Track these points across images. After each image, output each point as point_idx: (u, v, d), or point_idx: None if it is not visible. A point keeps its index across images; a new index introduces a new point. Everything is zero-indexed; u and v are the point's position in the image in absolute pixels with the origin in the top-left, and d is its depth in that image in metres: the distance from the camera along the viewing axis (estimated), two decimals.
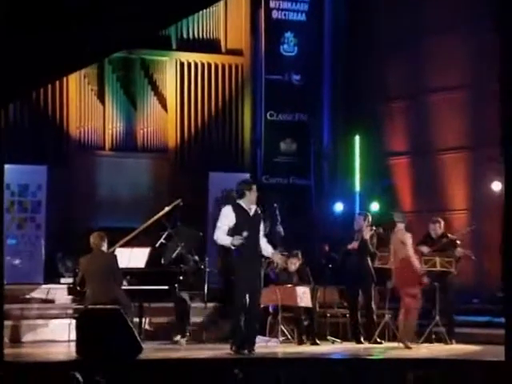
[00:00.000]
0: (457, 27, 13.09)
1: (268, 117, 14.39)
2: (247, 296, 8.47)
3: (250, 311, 8.50)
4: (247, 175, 13.75)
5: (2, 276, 7.02)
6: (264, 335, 10.35)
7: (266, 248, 8.72)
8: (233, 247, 8.49)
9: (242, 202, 8.59)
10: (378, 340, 10.26)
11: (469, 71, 13.10)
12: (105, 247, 9.12)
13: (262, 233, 8.73)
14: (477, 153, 13.04)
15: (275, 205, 11.71)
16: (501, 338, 10.33)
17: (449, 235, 10.46)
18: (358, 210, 13.63)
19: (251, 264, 8.50)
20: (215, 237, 8.67)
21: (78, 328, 8.31)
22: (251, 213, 8.59)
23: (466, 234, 10.55)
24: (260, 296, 8.68)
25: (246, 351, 8.47)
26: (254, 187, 8.64)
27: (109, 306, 8.46)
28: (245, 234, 8.40)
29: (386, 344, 10.26)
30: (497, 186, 12.62)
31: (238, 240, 8.42)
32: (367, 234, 10.42)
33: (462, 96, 13.21)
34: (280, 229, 11.06)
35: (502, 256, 11.75)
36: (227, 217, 8.54)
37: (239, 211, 8.54)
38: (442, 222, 10.60)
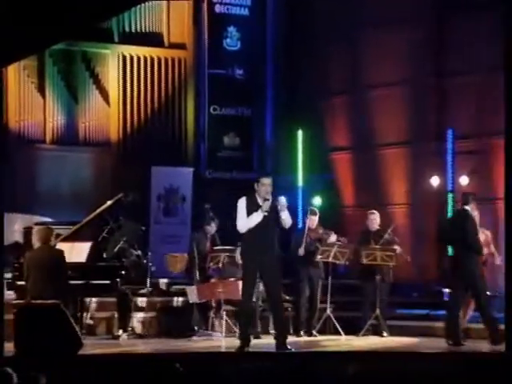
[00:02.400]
0: (397, 22, 13.26)
1: (211, 111, 14.38)
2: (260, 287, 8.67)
3: (271, 302, 8.81)
4: (190, 169, 13.75)
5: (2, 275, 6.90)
6: (207, 329, 10.37)
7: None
8: (262, 215, 8.49)
9: (256, 195, 8.67)
10: (315, 333, 10.37)
11: (408, 66, 13.29)
12: (52, 242, 9.03)
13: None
14: (416, 148, 13.24)
15: (206, 206, 11.71)
16: (438, 331, 10.57)
17: (389, 232, 10.55)
18: (300, 205, 13.75)
19: (261, 255, 8.54)
20: (239, 227, 8.66)
21: (17, 323, 8.19)
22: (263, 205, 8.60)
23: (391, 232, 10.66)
24: (278, 286, 8.77)
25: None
26: (263, 180, 8.64)
27: (49, 301, 8.37)
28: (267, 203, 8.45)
29: (326, 337, 10.36)
30: (435, 181, 12.85)
31: (265, 206, 8.49)
32: (319, 231, 10.55)
33: (402, 91, 13.39)
34: (212, 227, 11.03)
35: (438, 248, 12.04)
36: (242, 208, 8.65)
37: (251, 202, 8.62)
38: (378, 214, 10.71)
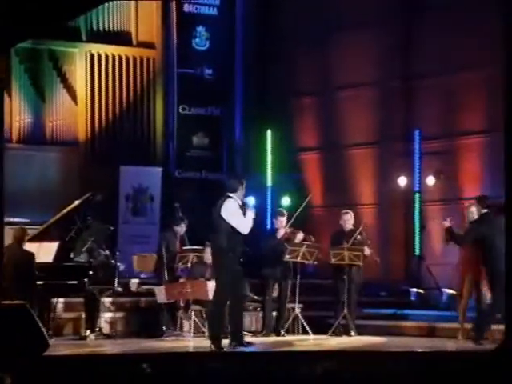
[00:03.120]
0: (366, 25, 13.34)
1: (180, 110, 14.35)
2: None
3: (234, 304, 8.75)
4: (159, 169, 13.71)
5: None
6: (175, 329, 10.35)
7: None
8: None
9: (235, 196, 8.66)
10: (283, 333, 10.39)
11: (376, 68, 13.38)
12: (25, 243, 8.98)
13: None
14: (384, 148, 13.33)
15: (176, 204, 11.70)
16: (405, 330, 10.66)
17: (361, 231, 10.57)
18: (269, 204, 13.78)
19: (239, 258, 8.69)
20: (244, 229, 8.62)
21: None
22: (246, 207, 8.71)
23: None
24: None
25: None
26: (245, 183, 8.77)
27: (15, 302, 8.29)
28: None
29: (295, 337, 10.39)
30: (402, 181, 12.94)
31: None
32: (288, 230, 10.59)
33: (370, 92, 13.48)
34: (182, 227, 11.02)
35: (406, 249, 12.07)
36: (238, 208, 8.62)
37: (239, 204, 8.67)
38: (352, 214, 10.73)
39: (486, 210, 9.57)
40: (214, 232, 8.70)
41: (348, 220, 10.60)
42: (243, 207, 8.67)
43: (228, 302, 8.78)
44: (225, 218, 8.55)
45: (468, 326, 9.62)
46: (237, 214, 8.57)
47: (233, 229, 8.57)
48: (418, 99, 13.08)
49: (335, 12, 13.68)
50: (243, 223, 8.58)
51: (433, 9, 12.81)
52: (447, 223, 9.79)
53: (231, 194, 8.69)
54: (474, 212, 9.61)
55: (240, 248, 8.68)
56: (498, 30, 11.89)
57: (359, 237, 10.45)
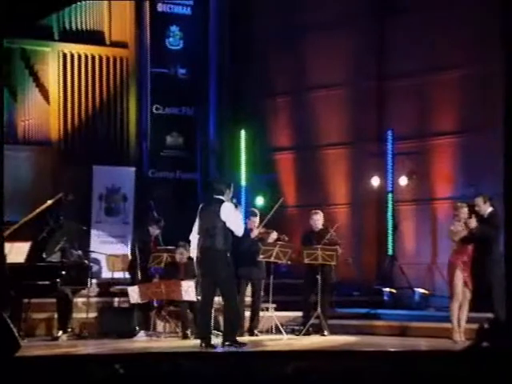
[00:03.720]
0: (339, 25, 13.40)
1: (154, 110, 14.31)
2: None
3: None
4: (132, 169, 13.66)
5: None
6: (148, 330, 10.32)
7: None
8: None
9: (223, 198, 8.89)
10: (256, 333, 10.40)
11: (350, 68, 13.44)
12: None
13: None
14: (357, 148, 13.39)
15: (151, 202, 11.65)
16: (377, 329, 10.71)
17: (331, 231, 10.59)
18: (243, 204, 13.77)
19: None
20: (240, 231, 8.91)
21: None
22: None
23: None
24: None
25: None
26: (232, 185, 9.06)
27: None
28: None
29: (268, 336, 10.40)
30: (375, 181, 13.01)
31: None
32: (261, 230, 10.61)
33: (343, 92, 13.53)
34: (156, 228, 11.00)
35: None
36: (235, 210, 8.89)
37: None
38: (322, 214, 10.75)
39: (491, 209, 9.34)
40: (209, 236, 8.82)
41: (318, 220, 10.63)
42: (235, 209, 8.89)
43: (224, 302, 8.93)
44: (224, 220, 8.76)
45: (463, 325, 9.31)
46: (235, 216, 8.83)
47: (228, 231, 8.79)
48: (390, 100, 13.16)
49: (308, 12, 13.72)
50: (240, 225, 8.90)
51: (405, 9, 12.90)
52: (473, 223, 9.27)
53: (221, 197, 8.85)
54: (482, 210, 9.36)
55: (232, 249, 8.99)
56: (471, 30, 12.05)
57: (329, 236, 10.45)
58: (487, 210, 9.34)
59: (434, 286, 12.22)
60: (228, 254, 8.87)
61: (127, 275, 11.23)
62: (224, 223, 8.74)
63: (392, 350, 8.74)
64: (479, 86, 11.90)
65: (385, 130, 13.01)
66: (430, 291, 12.18)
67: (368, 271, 12.79)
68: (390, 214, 12.87)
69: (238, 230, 8.85)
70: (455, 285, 9.32)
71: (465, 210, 9.38)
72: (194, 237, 9.02)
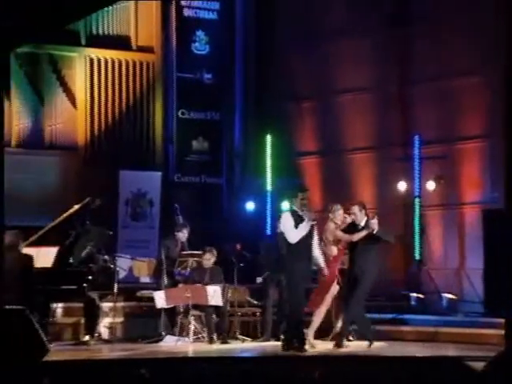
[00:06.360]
0: (364, 30, 13.35)
1: (180, 115, 14.35)
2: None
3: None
4: (158, 173, 13.70)
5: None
6: (174, 334, 10.32)
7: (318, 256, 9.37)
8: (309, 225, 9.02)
9: (294, 207, 9.18)
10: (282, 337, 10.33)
11: (375, 72, 13.39)
12: (21, 247, 8.94)
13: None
14: (383, 153, 13.32)
15: (176, 205, 11.63)
16: (404, 335, 10.62)
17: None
18: (269, 209, 13.75)
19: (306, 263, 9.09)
20: (292, 239, 9.05)
21: None
22: (305, 217, 9.09)
23: None
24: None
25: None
26: (301, 195, 9.20)
27: (14, 307, 8.27)
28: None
29: None
30: (402, 186, 12.93)
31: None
32: None
33: (368, 97, 13.48)
34: (184, 233, 10.98)
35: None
36: (291, 219, 9.10)
37: (294, 216, 9.10)
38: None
39: (366, 218, 9.51)
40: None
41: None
42: (299, 218, 9.03)
43: (289, 307, 9.21)
44: (282, 230, 9.15)
45: None
46: (288, 226, 9.05)
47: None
48: (416, 104, 13.08)
49: (333, 17, 13.69)
50: (291, 234, 9.03)
51: (430, 14, 12.83)
52: (375, 225, 9.45)
53: (288, 207, 9.30)
54: (358, 218, 9.57)
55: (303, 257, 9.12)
56: (494, 33, 11.96)
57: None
58: (363, 218, 9.51)
59: (462, 291, 12.12)
60: (294, 262, 9.01)
61: (153, 280, 11.24)
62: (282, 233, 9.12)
63: (418, 355, 8.67)
64: (505, 89, 11.79)
65: (410, 134, 12.93)
66: (458, 296, 12.06)
67: (395, 276, 12.70)
68: (417, 218, 12.78)
69: (289, 238, 9.04)
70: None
71: (340, 213, 9.71)
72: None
